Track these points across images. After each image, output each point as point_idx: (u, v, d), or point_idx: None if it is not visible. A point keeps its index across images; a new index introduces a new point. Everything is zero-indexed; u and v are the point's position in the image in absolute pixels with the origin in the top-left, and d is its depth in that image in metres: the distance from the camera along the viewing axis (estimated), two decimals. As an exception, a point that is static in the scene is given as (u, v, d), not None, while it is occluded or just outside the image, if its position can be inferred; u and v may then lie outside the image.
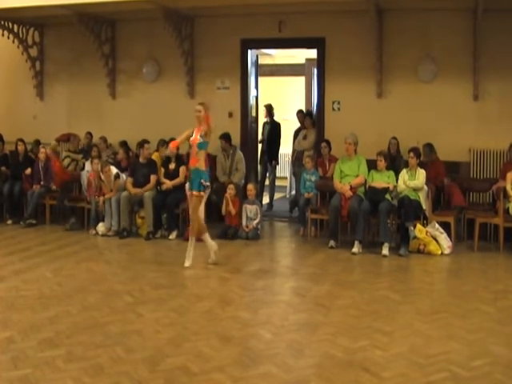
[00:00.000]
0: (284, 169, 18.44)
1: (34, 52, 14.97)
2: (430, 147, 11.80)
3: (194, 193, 9.58)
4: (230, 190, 11.91)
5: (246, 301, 8.22)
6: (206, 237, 9.80)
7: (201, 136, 9.54)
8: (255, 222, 11.81)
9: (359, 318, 7.33)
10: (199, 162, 9.56)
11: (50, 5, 12.22)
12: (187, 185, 10.15)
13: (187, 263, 9.65)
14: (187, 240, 11.01)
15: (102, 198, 12.14)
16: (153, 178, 11.99)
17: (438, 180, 11.48)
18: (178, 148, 10.24)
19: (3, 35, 14.16)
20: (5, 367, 5.82)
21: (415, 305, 7.87)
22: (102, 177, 12.23)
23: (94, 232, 12.13)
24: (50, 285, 8.68)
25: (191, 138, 9.67)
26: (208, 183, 9.65)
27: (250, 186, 12.18)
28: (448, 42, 12.19)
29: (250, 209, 11.91)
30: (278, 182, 15.75)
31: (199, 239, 9.90)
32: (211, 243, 9.81)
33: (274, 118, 15.07)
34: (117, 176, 12.12)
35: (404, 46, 12.41)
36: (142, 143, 12.30)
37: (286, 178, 17.18)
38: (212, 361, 6.02)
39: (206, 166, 9.70)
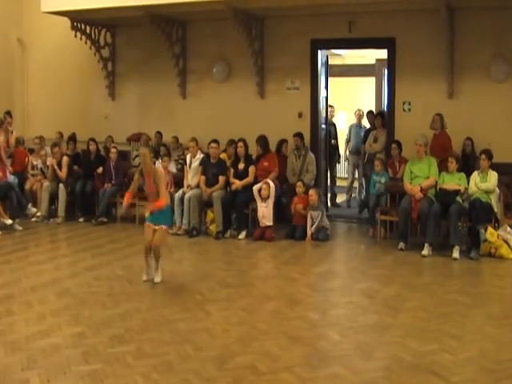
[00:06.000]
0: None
1: (105, 53, 15.21)
2: (441, 116, 11.80)
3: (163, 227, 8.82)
4: (299, 188, 11.84)
5: (314, 301, 8.24)
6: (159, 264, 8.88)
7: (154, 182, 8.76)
8: (314, 226, 11.59)
9: (428, 320, 7.26)
10: (163, 203, 8.74)
11: (123, 6, 12.46)
12: (148, 217, 8.93)
13: (145, 277, 8.80)
14: (256, 240, 11.09)
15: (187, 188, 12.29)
16: (222, 178, 12.04)
17: (445, 152, 11.29)
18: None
19: (76, 36, 14.44)
20: (76, 362, 5.94)
21: (486, 309, 7.77)
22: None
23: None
24: (120, 282, 8.84)
25: (145, 187, 8.92)
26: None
27: (312, 192, 11.73)
28: (521, 41, 11.96)
29: (313, 215, 11.66)
30: (343, 183, 15.80)
31: None
32: (160, 272, 8.82)
33: None
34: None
35: (476, 45, 12.18)
36: (210, 142, 12.38)
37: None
38: (280, 360, 6.04)
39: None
